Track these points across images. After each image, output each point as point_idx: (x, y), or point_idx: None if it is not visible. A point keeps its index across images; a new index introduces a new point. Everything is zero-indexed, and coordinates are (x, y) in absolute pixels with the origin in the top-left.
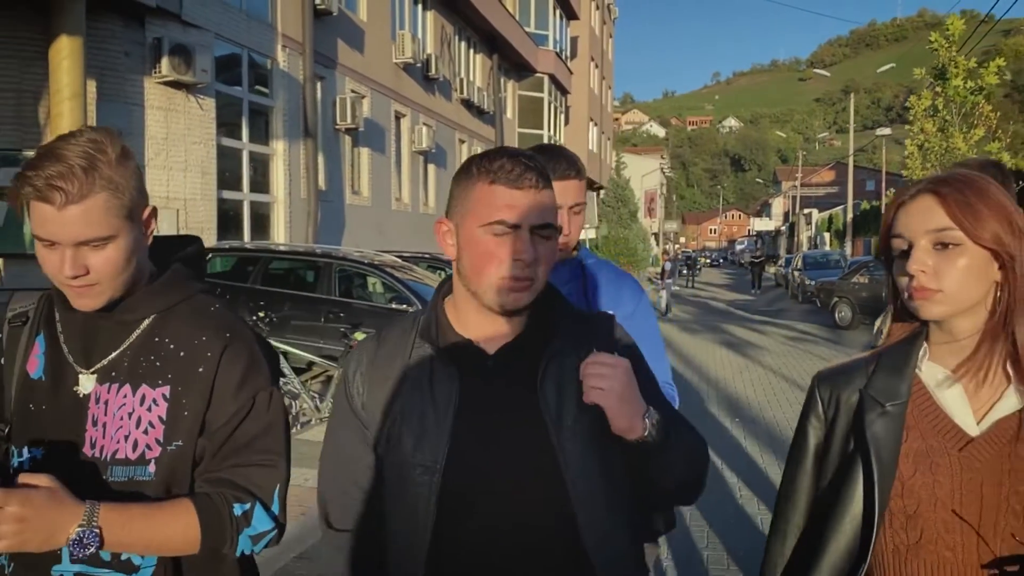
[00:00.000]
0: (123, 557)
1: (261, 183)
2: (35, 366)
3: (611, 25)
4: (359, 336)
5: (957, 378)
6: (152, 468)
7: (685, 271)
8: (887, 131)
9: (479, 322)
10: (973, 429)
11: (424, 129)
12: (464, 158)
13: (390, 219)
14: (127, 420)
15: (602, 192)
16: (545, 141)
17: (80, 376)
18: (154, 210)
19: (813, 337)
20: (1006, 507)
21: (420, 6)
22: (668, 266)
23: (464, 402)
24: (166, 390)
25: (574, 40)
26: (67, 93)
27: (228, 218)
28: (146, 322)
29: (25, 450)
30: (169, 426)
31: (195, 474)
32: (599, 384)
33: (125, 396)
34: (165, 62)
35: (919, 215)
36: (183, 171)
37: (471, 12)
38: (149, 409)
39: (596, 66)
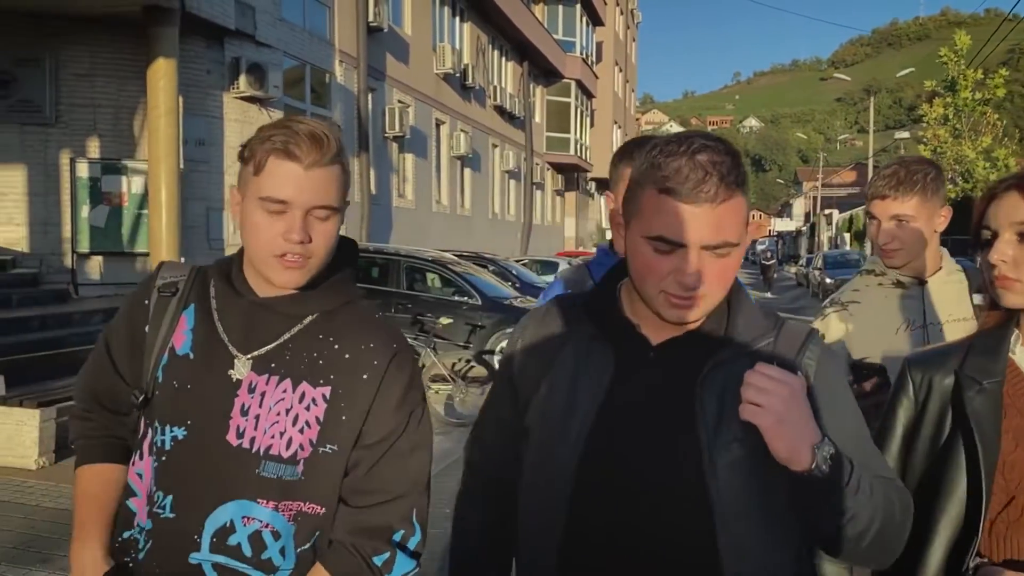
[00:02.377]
0: (263, 556)
1: None
2: (182, 341)
3: (634, 29)
4: (444, 321)
5: None
6: (300, 468)
7: None
8: (905, 134)
9: (649, 311)
10: None
11: (462, 135)
12: (496, 163)
13: (431, 220)
14: (284, 416)
15: None
16: (572, 144)
17: (235, 360)
18: None
19: None
20: None
21: (458, 18)
22: None
23: (617, 387)
24: (327, 390)
25: (599, 45)
26: (163, 109)
27: None
28: (309, 318)
29: (168, 428)
30: (325, 428)
31: (343, 484)
32: (756, 399)
33: (284, 391)
34: (242, 79)
35: (1006, 208)
36: None
37: (504, 22)
38: (308, 408)
39: (620, 70)
